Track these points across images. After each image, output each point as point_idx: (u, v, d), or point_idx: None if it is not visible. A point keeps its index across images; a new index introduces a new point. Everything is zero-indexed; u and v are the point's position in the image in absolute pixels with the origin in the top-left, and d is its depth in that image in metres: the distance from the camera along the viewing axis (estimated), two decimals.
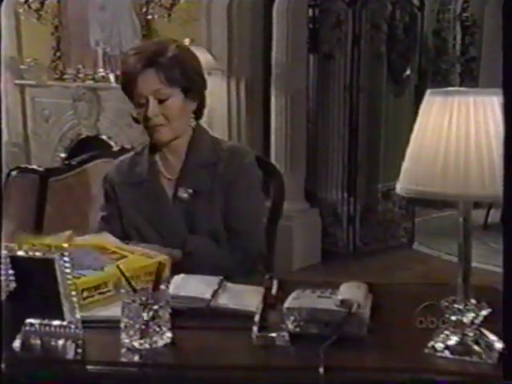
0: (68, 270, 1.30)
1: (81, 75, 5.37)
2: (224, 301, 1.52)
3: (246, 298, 1.53)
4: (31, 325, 1.36)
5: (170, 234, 1.90)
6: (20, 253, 1.32)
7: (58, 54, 5.47)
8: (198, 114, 1.98)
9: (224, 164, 1.92)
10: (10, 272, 1.33)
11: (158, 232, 1.92)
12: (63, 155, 5.52)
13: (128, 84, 1.88)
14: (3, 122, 5.80)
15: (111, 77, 5.15)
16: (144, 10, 4.94)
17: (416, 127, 1.30)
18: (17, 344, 1.33)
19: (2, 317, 1.29)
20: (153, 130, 1.89)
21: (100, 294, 1.52)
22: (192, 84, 1.90)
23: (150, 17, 4.94)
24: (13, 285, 1.34)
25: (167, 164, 1.97)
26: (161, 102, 1.86)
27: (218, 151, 1.95)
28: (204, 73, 1.99)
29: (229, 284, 1.62)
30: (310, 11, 4.72)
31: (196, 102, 1.94)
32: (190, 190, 1.92)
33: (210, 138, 2.00)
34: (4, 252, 1.33)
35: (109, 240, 1.78)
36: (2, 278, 1.34)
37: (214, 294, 1.54)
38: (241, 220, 1.91)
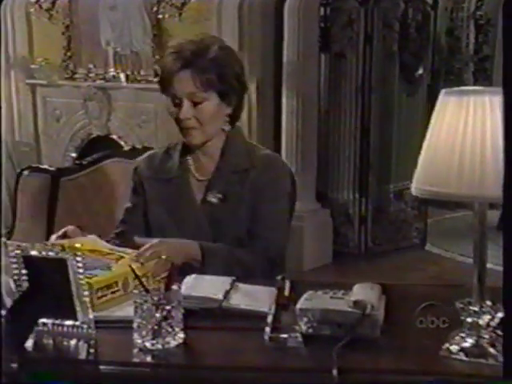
0: (81, 270, 1.30)
1: (91, 75, 5.37)
2: (236, 301, 1.52)
3: (258, 298, 1.52)
4: (44, 325, 1.36)
5: (193, 236, 1.84)
6: (33, 253, 1.32)
7: (68, 53, 5.47)
8: (233, 117, 1.93)
9: (257, 171, 1.89)
10: (23, 272, 1.34)
11: (181, 231, 1.87)
12: (74, 155, 5.53)
13: (164, 83, 1.86)
14: (14, 121, 5.83)
15: (122, 76, 5.16)
16: (155, 9, 4.94)
17: (430, 127, 1.29)
18: (29, 344, 1.33)
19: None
20: (185, 132, 1.87)
21: (112, 293, 1.52)
22: (229, 88, 1.86)
23: (160, 16, 4.94)
24: (25, 285, 1.34)
25: (198, 164, 1.94)
26: (195, 104, 1.83)
27: (252, 158, 1.91)
28: (245, 76, 1.93)
29: (241, 284, 1.61)
30: (322, 10, 4.69)
31: (232, 107, 1.90)
32: (220, 195, 1.89)
33: (244, 143, 1.97)
34: (17, 252, 1.33)
35: (98, 242, 1.75)
36: (15, 277, 1.34)
37: (226, 294, 1.54)
38: (265, 226, 1.86)
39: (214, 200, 1.89)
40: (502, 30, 1.09)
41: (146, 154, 2.05)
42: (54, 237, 1.75)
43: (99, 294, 1.48)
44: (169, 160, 1.97)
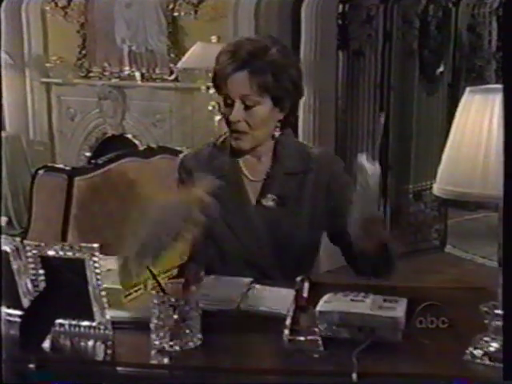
0: (98, 271, 1.29)
1: (106, 73, 5.37)
2: (254, 303, 1.50)
3: (276, 300, 1.50)
4: (61, 325, 1.35)
5: (248, 238, 1.78)
6: (50, 253, 1.31)
7: (83, 51, 5.48)
8: (285, 123, 1.83)
9: (315, 173, 1.81)
10: (41, 272, 1.33)
11: (235, 234, 1.79)
12: (88, 154, 5.53)
13: (217, 82, 1.78)
14: (29, 120, 5.84)
15: (137, 75, 5.15)
16: (171, 6, 4.93)
17: (454, 126, 1.28)
18: (46, 344, 1.33)
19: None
20: (234, 135, 1.79)
21: (135, 291, 1.52)
22: (285, 93, 1.76)
23: (176, 14, 4.92)
24: (43, 285, 1.33)
25: (249, 165, 1.84)
26: (247, 107, 1.74)
27: (306, 160, 1.83)
28: (302, 81, 1.83)
29: (258, 286, 1.60)
30: (340, 7, 4.62)
31: (284, 112, 1.80)
32: (277, 198, 1.80)
33: (296, 145, 1.88)
34: (34, 252, 1.32)
35: None
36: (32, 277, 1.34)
37: (244, 295, 1.52)
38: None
39: (270, 203, 1.80)
40: (502, 30, 1.07)
41: (186, 153, 1.97)
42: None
43: (126, 292, 1.49)
44: (218, 157, 1.86)
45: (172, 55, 4.94)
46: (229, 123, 1.78)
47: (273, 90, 1.74)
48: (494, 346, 1.24)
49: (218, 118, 4.32)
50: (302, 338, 1.31)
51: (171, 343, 1.29)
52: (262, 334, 1.38)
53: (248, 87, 1.73)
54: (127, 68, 5.24)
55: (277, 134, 1.83)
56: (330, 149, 4.72)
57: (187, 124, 4.93)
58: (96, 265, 1.28)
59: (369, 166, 1.49)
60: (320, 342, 1.30)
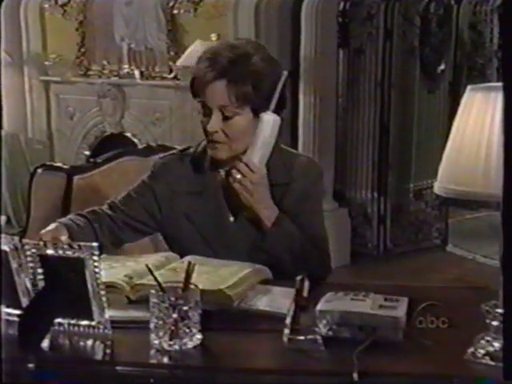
0: (97, 270, 1.28)
1: (105, 71, 5.36)
2: (253, 302, 1.50)
3: (275, 299, 1.50)
4: (60, 325, 1.35)
5: (227, 253, 1.70)
6: (49, 251, 1.30)
7: (82, 49, 5.46)
8: None
9: (296, 183, 1.76)
10: (39, 271, 1.32)
11: (213, 249, 1.74)
12: (87, 153, 5.52)
13: (195, 89, 1.72)
14: (27, 119, 5.83)
15: (136, 73, 5.14)
16: (170, 4, 4.92)
17: (455, 124, 1.28)
18: (45, 344, 1.32)
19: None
20: (211, 144, 1.73)
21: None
22: (266, 104, 1.68)
23: (175, 11, 4.91)
24: (42, 284, 1.33)
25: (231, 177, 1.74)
26: (226, 118, 1.68)
27: (289, 170, 1.77)
28: (285, 90, 1.76)
29: (258, 285, 1.59)
30: (341, 4, 4.62)
31: None
32: None
33: (281, 156, 1.79)
34: (33, 251, 1.32)
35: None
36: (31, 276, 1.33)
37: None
38: (310, 232, 1.75)
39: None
40: (501, 29, 1.07)
41: (162, 156, 1.90)
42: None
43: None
44: (195, 170, 1.80)
45: (171, 53, 4.93)
46: (206, 132, 1.73)
47: (253, 100, 1.68)
48: (496, 345, 1.23)
49: None
50: (302, 338, 1.30)
51: (170, 343, 1.28)
52: (261, 333, 1.38)
53: (227, 98, 1.67)
54: (126, 66, 5.22)
55: None
56: (331, 147, 4.73)
57: (187, 122, 4.91)
58: (95, 264, 1.27)
59: (267, 117, 1.68)
60: (320, 342, 1.30)
